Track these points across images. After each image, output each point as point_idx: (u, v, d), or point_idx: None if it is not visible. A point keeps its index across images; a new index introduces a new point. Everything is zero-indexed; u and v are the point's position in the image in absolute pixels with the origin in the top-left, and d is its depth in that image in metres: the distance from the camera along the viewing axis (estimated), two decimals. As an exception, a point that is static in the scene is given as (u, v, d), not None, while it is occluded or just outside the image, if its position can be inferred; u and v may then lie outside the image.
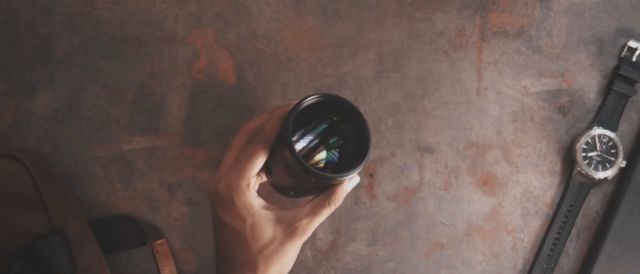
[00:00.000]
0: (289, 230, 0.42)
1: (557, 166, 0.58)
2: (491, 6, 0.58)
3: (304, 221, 0.42)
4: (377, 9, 0.57)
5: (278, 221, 0.42)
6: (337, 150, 0.43)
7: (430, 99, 0.57)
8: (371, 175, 0.57)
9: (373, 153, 0.57)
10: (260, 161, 0.41)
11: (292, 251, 0.42)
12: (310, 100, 0.39)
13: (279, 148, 0.41)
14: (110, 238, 0.53)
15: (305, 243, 0.57)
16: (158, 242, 0.53)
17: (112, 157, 0.55)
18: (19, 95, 0.55)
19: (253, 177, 0.42)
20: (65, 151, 0.55)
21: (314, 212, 0.42)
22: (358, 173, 0.43)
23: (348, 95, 0.57)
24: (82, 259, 0.47)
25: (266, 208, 0.42)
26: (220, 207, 0.42)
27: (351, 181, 0.44)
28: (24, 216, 0.46)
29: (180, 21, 0.56)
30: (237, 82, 0.56)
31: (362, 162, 0.39)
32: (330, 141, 0.43)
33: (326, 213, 0.42)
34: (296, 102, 0.40)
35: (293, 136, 0.42)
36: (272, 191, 0.50)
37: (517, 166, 0.58)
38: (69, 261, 0.45)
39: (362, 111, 0.40)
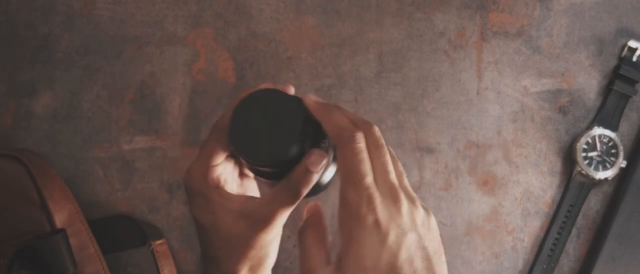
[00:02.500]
0: (256, 223, 0.37)
1: (557, 166, 0.58)
2: (491, 6, 0.58)
3: (266, 211, 0.37)
4: (377, 9, 0.57)
5: (242, 213, 0.37)
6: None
7: (430, 99, 0.57)
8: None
9: (373, 153, 0.57)
10: (220, 148, 0.37)
11: (269, 244, 0.38)
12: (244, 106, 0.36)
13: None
14: (110, 238, 0.53)
15: (305, 243, 0.57)
16: (158, 242, 0.53)
17: (112, 157, 0.55)
18: (19, 95, 0.55)
19: (218, 166, 0.38)
20: (65, 151, 0.55)
21: (277, 199, 0.37)
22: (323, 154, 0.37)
23: (348, 95, 0.57)
24: (82, 259, 0.47)
25: (233, 200, 0.38)
26: (192, 203, 0.39)
27: (314, 162, 0.38)
28: (24, 216, 0.46)
29: (180, 21, 0.56)
30: (237, 82, 0.56)
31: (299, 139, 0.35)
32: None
33: (287, 197, 0.37)
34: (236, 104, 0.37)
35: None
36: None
37: (517, 166, 0.58)
38: (69, 261, 0.45)
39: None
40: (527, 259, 0.58)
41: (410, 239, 0.34)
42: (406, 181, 0.37)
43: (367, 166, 0.34)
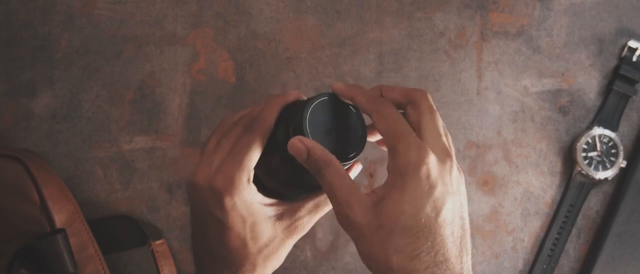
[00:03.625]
0: (291, 228, 0.39)
1: (558, 166, 0.58)
2: (491, 6, 0.58)
3: (306, 219, 0.39)
4: (377, 9, 0.57)
5: (278, 218, 0.39)
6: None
7: (431, 99, 0.57)
8: (371, 175, 0.57)
9: (373, 153, 0.57)
10: (258, 151, 0.37)
11: (289, 247, 0.40)
12: (320, 99, 0.37)
13: (276, 143, 0.38)
14: (110, 238, 0.53)
15: (305, 243, 0.57)
16: (158, 242, 0.53)
17: (112, 157, 0.55)
18: (19, 95, 0.55)
19: (252, 170, 0.37)
20: (65, 151, 0.55)
21: (318, 208, 0.39)
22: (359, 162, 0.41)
23: (348, 95, 0.57)
24: (82, 259, 0.47)
25: (266, 205, 0.38)
26: (215, 204, 0.37)
27: (355, 170, 0.41)
28: (24, 216, 0.46)
29: (180, 21, 0.56)
30: (237, 82, 0.56)
31: (360, 148, 0.38)
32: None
33: (330, 207, 0.39)
34: (305, 98, 0.38)
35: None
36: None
37: (517, 166, 0.58)
38: (69, 260, 0.45)
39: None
40: (527, 259, 0.58)
41: (455, 201, 0.34)
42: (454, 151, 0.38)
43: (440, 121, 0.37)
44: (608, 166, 0.57)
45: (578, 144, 0.57)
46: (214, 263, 0.40)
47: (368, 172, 0.57)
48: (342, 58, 0.57)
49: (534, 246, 0.58)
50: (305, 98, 0.39)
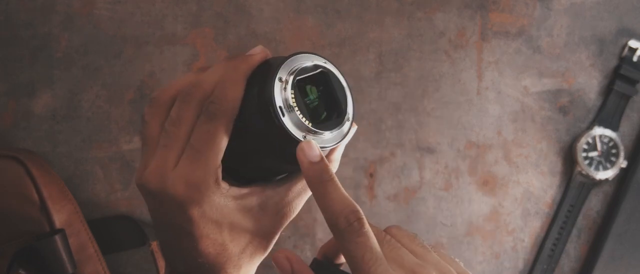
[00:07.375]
0: (278, 216, 0.33)
1: (558, 166, 0.58)
2: (492, 6, 0.58)
3: (295, 202, 0.33)
4: (377, 9, 0.57)
5: (261, 208, 0.32)
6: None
7: (431, 99, 0.57)
8: (371, 175, 0.57)
9: (373, 153, 0.57)
10: (225, 142, 0.30)
11: (278, 234, 0.34)
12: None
13: (245, 122, 0.30)
14: (110, 238, 0.53)
15: (305, 243, 0.56)
16: (157, 242, 0.53)
17: (112, 157, 0.55)
18: (19, 95, 0.55)
19: (220, 166, 0.30)
20: (65, 151, 0.55)
21: (307, 188, 0.33)
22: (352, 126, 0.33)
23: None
24: (82, 259, 0.47)
25: (242, 198, 0.32)
26: (179, 215, 0.30)
27: (349, 134, 0.33)
28: (24, 216, 0.46)
29: (180, 21, 0.56)
30: (237, 82, 0.56)
31: (348, 110, 0.31)
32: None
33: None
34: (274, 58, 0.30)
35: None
36: None
37: (517, 166, 0.58)
38: (69, 261, 0.45)
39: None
40: (528, 259, 0.58)
41: None
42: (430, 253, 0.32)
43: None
44: (608, 166, 0.57)
45: (578, 144, 0.57)
46: (190, 270, 0.33)
47: (368, 173, 0.57)
48: (342, 58, 0.57)
49: (534, 246, 0.58)
50: (270, 55, 0.32)
